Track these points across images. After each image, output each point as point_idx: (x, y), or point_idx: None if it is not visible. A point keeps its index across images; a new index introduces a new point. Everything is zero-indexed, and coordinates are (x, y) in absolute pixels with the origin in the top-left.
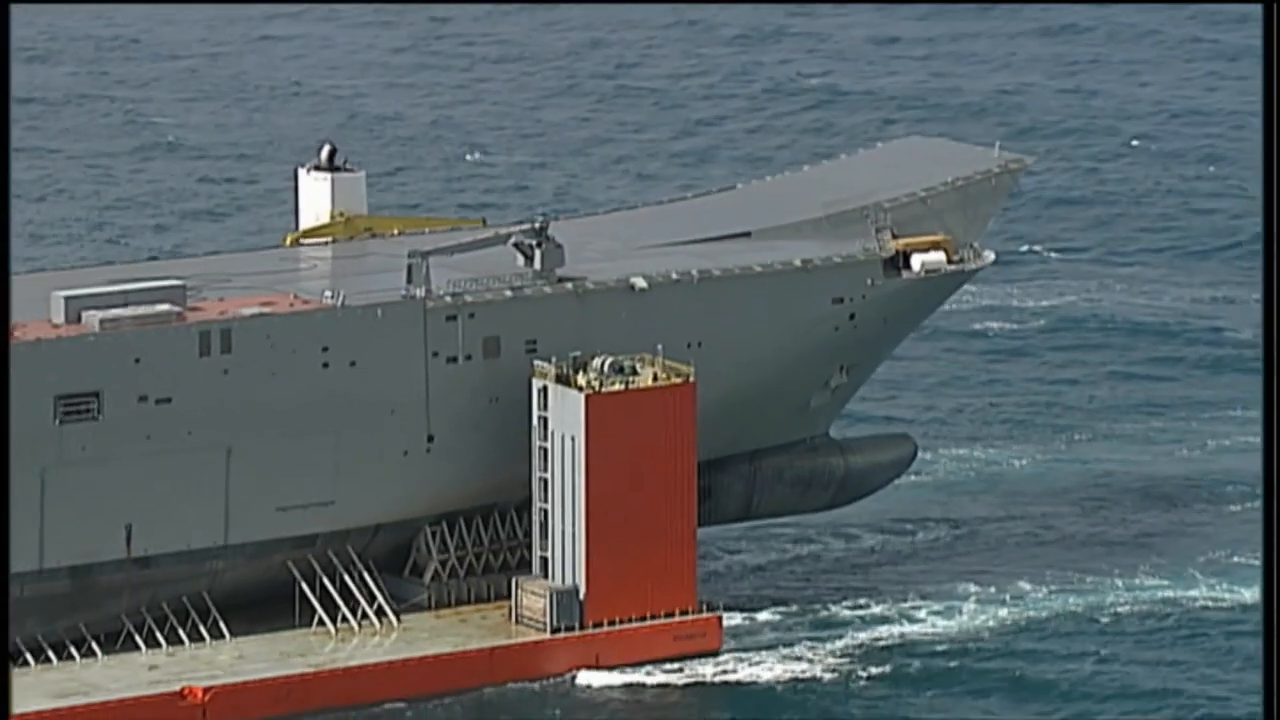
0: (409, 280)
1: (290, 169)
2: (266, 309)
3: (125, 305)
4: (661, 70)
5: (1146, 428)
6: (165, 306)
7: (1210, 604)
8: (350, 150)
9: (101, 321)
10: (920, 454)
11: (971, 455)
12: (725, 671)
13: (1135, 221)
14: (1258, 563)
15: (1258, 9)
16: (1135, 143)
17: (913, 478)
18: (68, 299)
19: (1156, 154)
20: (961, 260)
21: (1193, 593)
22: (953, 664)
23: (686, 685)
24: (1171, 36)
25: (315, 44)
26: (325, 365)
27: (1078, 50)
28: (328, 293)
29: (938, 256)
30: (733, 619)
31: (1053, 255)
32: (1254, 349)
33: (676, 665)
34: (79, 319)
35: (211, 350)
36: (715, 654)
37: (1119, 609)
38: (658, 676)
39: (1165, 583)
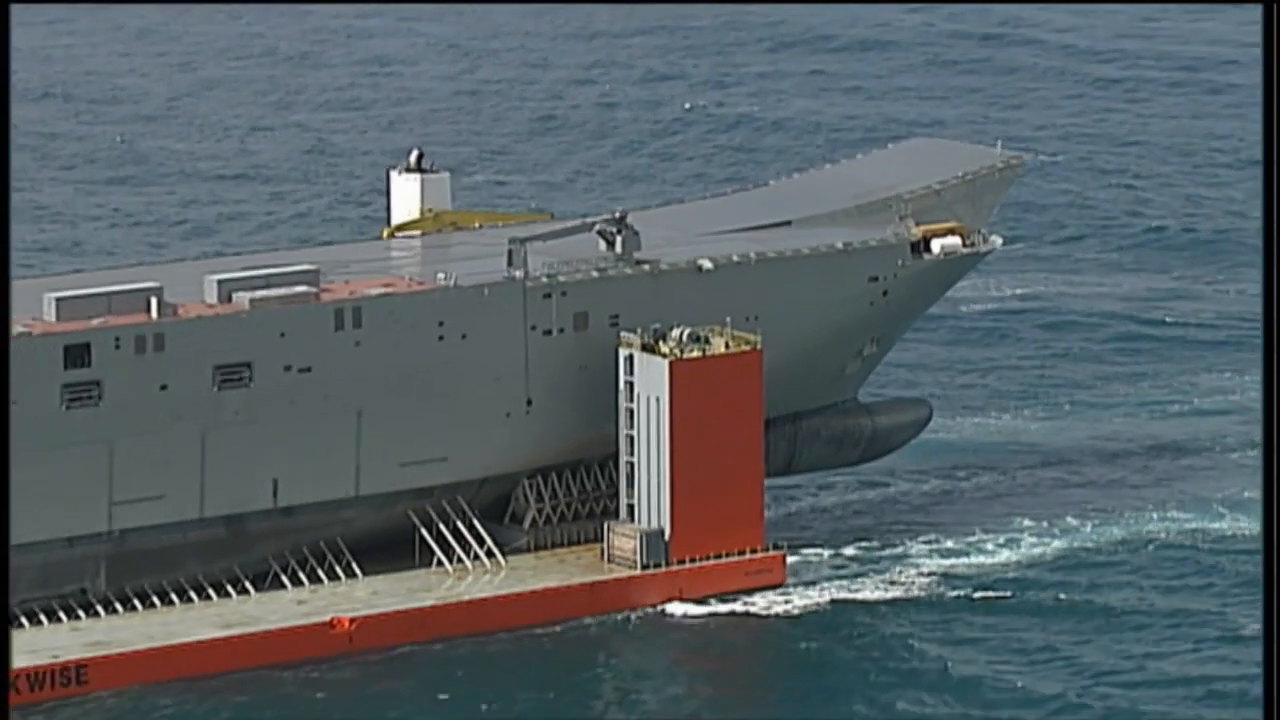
0: (509, 263)
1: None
2: (389, 289)
3: (268, 287)
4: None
5: (1135, 391)
6: (303, 288)
7: (1230, 533)
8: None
9: (251, 301)
10: (943, 418)
11: (987, 420)
12: (790, 601)
13: (1080, 221)
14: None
15: None
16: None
17: (944, 436)
18: (220, 282)
19: (1077, 168)
20: (974, 244)
21: (1216, 524)
22: (1007, 590)
23: (758, 614)
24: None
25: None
26: (440, 338)
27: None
28: (440, 274)
29: (954, 241)
30: (797, 556)
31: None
32: (1213, 326)
33: (749, 596)
34: (230, 299)
35: (345, 325)
36: (780, 586)
37: (1155, 539)
38: (732, 606)
39: (1190, 515)
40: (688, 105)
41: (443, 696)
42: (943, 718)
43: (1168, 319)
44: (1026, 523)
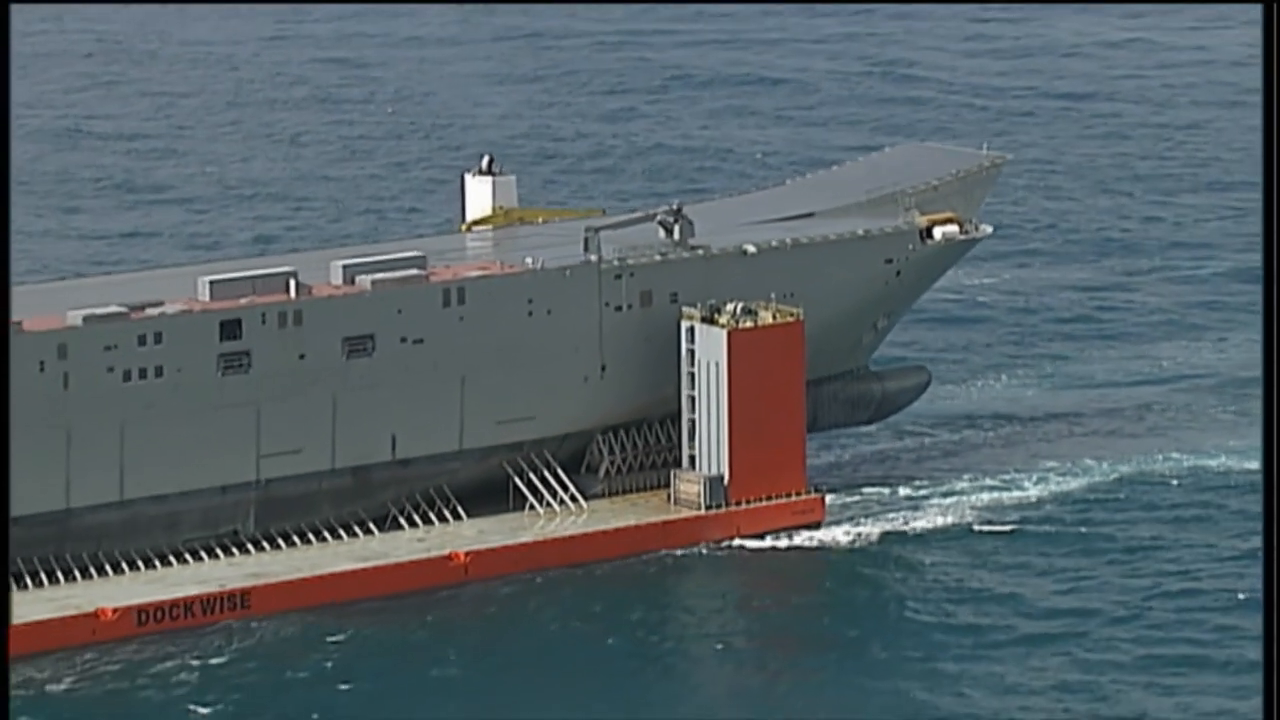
0: (586, 249)
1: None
2: (486, 272)
3: (385, 270)
4: None
5: (1108, 354)
6: (414, 271)
7: (1223, 470)
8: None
9: (373, 282)
10: (950, 384)
11: (988, 383)
12: (830, 536)
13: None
14: (1254, 441)
15: None
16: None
17: (954, 400)
18: (345, 266)
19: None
20: (969, 232)
21: (1211, 463)
22: (1032, 521)
23: (803, 546)
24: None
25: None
26: (529, 313)
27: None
28: (529, 259)
29: (953, 229)
30: (834, 498)
31: None
32: (1161, 310)
33: (795, 532)
34: (353, 281)
35: (451, 302)
36: (820, 525)
37: (1163, 476)
38: (782, 540)
39: (1188, 457)
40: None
41: (548, 617)
42: (978, 626)
43: (1116, 305)
44: (1051, 463)
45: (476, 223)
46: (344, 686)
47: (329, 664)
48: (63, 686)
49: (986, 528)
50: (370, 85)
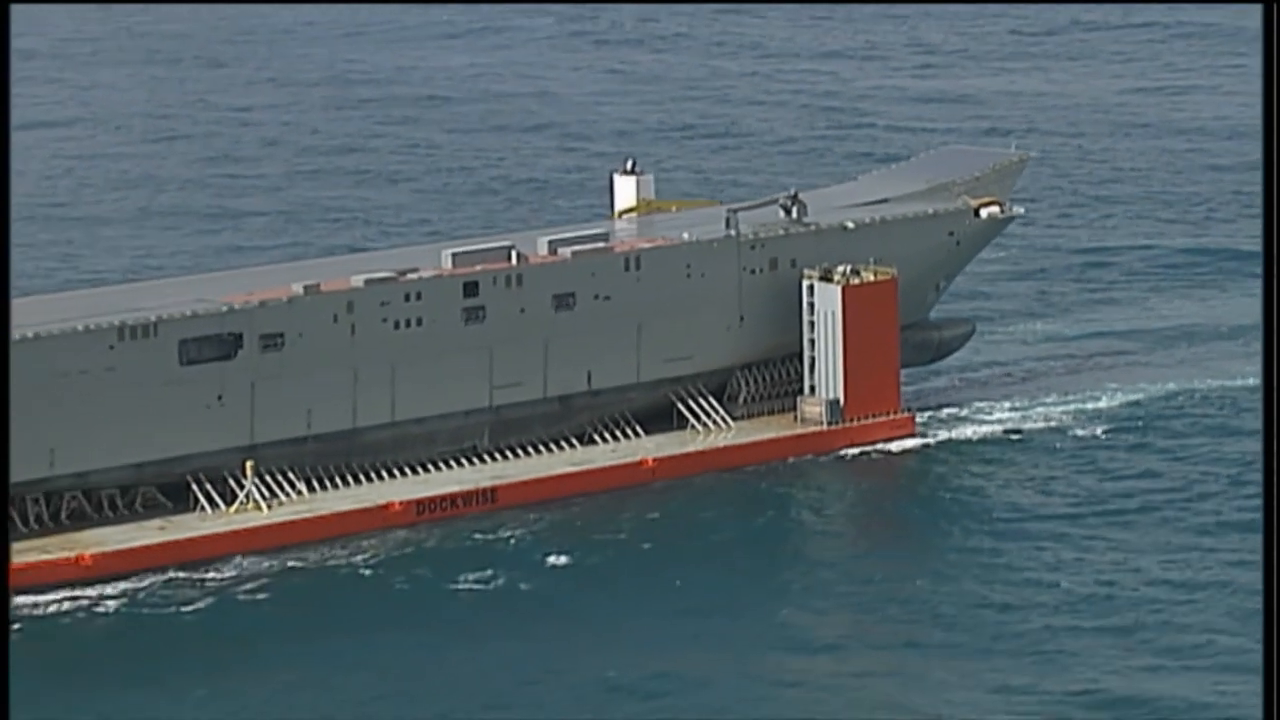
0: (727, 226)
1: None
2: (655, 243)
3: (579, 244)
4: None
5: (1133, 310)
6: (601, 244)
7: (1229, 391)
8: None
9: (573, 252)
10: (1000, 326)
11: (1033, 327)
12: (920, 444)
13: None
14: (1252, 365)
15: None
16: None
17: (1002, 342)
18: (550, 241)
19: None
20: (1006, 212)
21: (1239, 383)
22: (1092, 431)
23: (899, 451)
24: None
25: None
26: (687, 276)
27: None
28: (685, 234)
29: (996, 209)
30: (923, 417)
31: None
32: (1170, 266)
33: (893, 442)
34: (556, 252)
35: (630, 267)
36: (911, 435)
37: (1205, 393)
38: (883, 448)
39: (1221, 380)
40: None
41: (711, 504)
42: (1043, 510)
43: (1126, 260)
44: (1112, 385)
45: (624, 211)
46: (564, 557)
47: (556, 540)
48: (366, 559)
49: (1048, 435)
50: (518, 99)
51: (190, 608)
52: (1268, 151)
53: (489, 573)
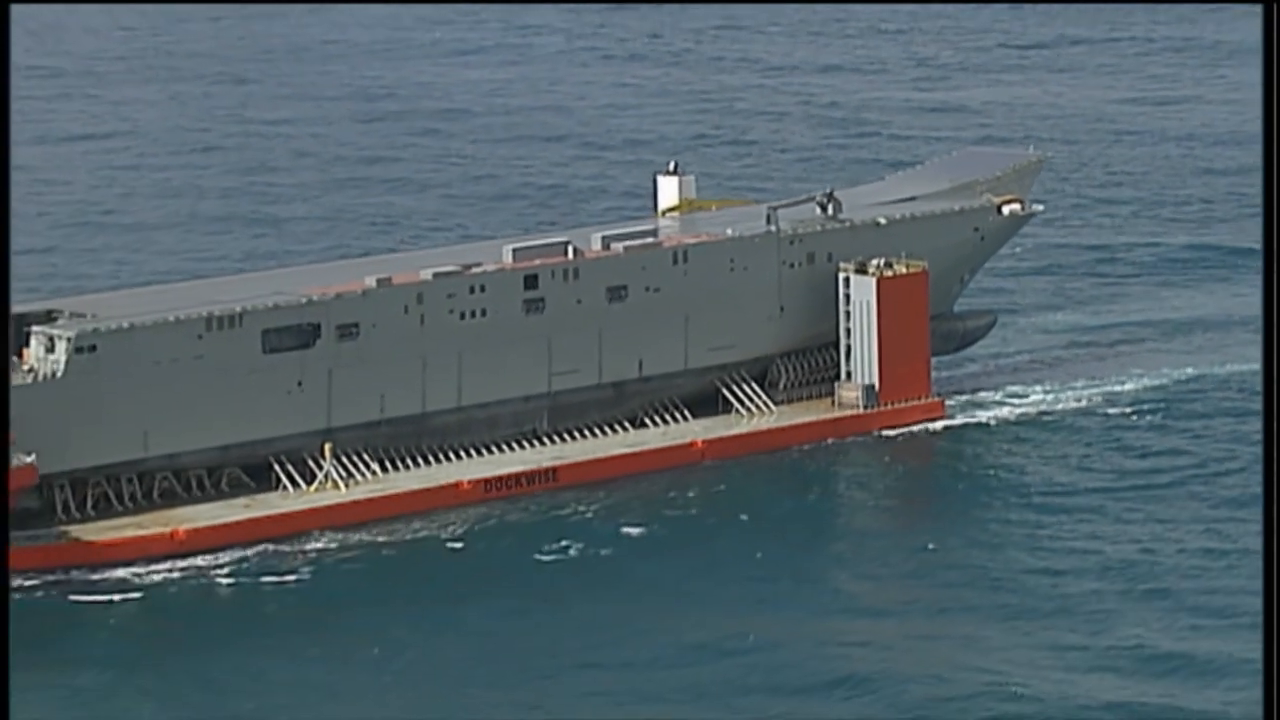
0: (767, 222)
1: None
2: (700, 239)
3: (630, 239)
4: None
5: (1144, 302)
6: (650, 240)
7: (1246, 375)
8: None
9: (625, 248)
10: (1024, 317)
11: (1054, 316)
12: (949, 426)
13: None
14: (1253, 352)
15: None
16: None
17: (1024, 331)
18: (603, 236)
19: None
20: (1026, 209)
21: (1250, 367)
22: (1118, 410)
23: (931, 431)
24: None
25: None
26: (731, 269)
27: None
28: (728, 230)
29: (1016, 206)
30: (953, 401)
31: None
32: (1174, 260)
33: (924, 424)
34: (609, 247)
35: (678, 261)
36: (942, 418)
37: (1199, 381)
38: (915, 429)
39: (1239, 365)
40: None
41: (757, 482)
42: (1083, 488)
43: (1133, 256)
44: (1136, 370)
45: (668, 210)
46: (630, 529)
47: (621, 514)
48: (442, 533)
49: (1076, 417)
50: (535, 112)
51: (280, 579)
52: (1267, 151)
53: (563, 544)
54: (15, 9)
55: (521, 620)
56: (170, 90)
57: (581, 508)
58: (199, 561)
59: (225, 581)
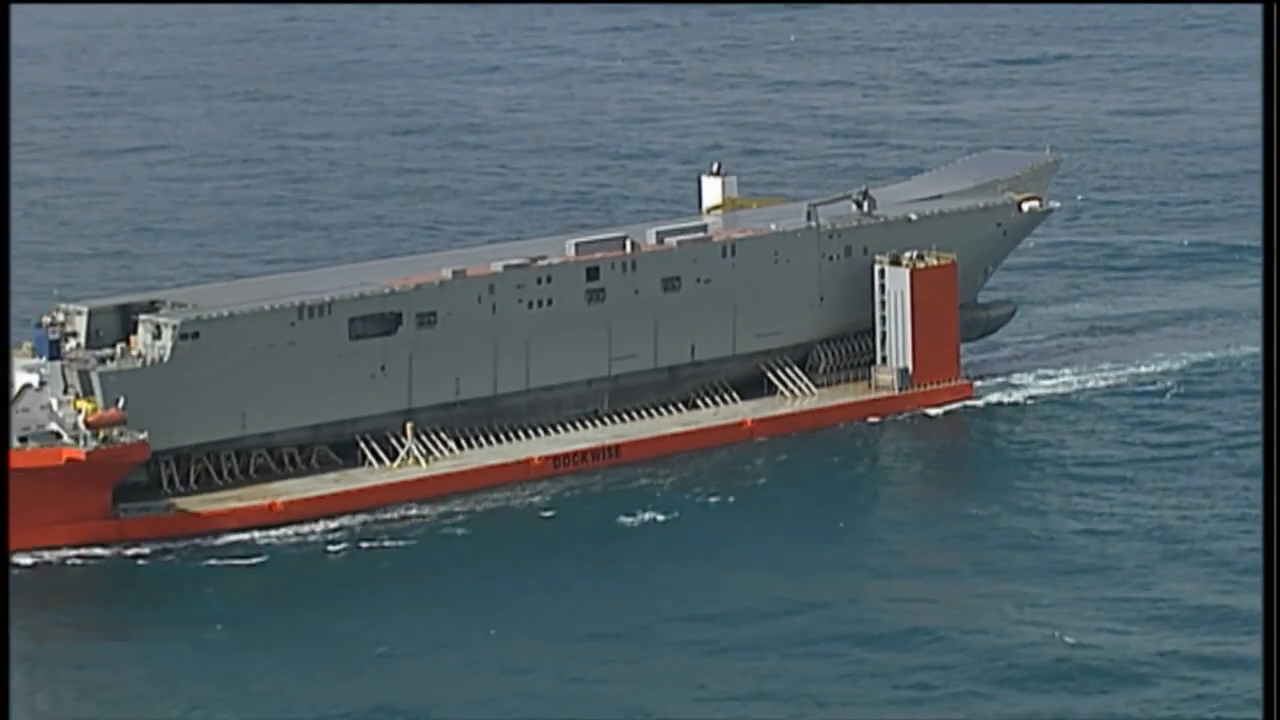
0: (808, 218)
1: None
2: (747, 234)
3: (683, 234)
4: None
5: (1140, 293)
6: (701, 234)
7: (1249, 356)
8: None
9: (678, 242)
10: (1045, 308)
11: (1071, 306)
12: (977, 406)
13: None
14: (1254, 332)
15: None
16: None
17: (1045, 319)
18: (658, 232)
19: None
20: (1045, 206)
21: (1255, 348)
22: (1143, 388)
23: (959, 410)
24: None
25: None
26: (775, 262)
27: None
28: (772, 225)
29: (1035, 204)
30: (979, 383)
31: None
32: (1175, 255)
33: (953, 404)
34: (663, 241)
35: (727, 255)
36: (971, 399)
37: (1237, 358)
38: (945, 409)
39: (1250, 346)
40: None
41: (802, 457)
42: (1114, 460)
43: (1140, 252)
44: (1157, 353)
45: (712, 208)
46: (704, 499)
47: (688, 485)
48: (521, 504)
49: (1099, 397)
50: (554, 127)
51: (378, 545)
52: (1267, 151)
53: (643, 511)
54: (46, 32)
55: (615, 580)
56: (204, 108)
57: (652, 480)
58: (297, 530)
59: (326, 549)
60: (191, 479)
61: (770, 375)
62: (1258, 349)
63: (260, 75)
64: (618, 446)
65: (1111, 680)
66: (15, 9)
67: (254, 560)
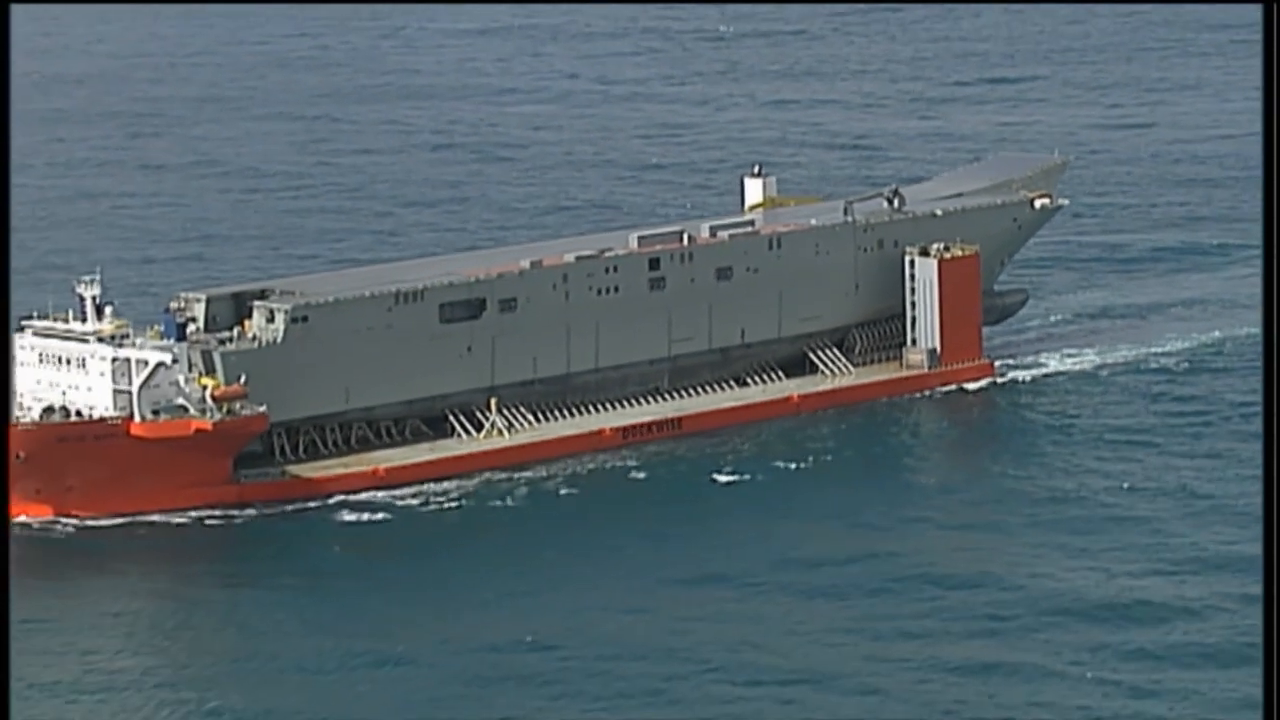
0: (845, 214)
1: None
2: (790, 228)
3: (733, 229)
4: None
5: (1144, 283)
6: (749, 229)
7: (1255, 336)
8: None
9: (729, 235)
10: (1060, 297)
11: (1086, 295)
12: (998, 384)
13: None
14: (1252, 314)
15: None
16: None
17: (1056, 307)
18: (711, 226)
19: None
20: (1056, 203)
21: (1253, 330)
22: (1153, 365)
23: (984, 387)
24: None
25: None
26: (816, 253)
27: None
28: (813, 220)
29: (1047, 201)
30: (1001, 362)
31: None
32: (1153, 255)
33: (977, 381)
34: (715, 235)
35: (774, 247)
36: (993, 376)
37: (1241, 337)
38: (968, 385)
39: (1250, 328)
40: None
41: (843, 429)
42: (1139, 428)
43: (1140, 248)
44: (1170, 335)
45: (753, 207)
46: (758, 460)
47: (744, 453)
48: (599, 470)
49: (1116, 374)
50: (577, 144)
51: (478, 505)
52: (1267, 152)
53: (728, 474)
54: (86, 61)
55: (706, 532)
56: (243, 128)
57: (721, 448)
58: (398, 493)
59: (435, 508)
60: (300, 449)
61: (811, 356)
62: (1257, 329)
63: (292, 99)
64: (679, 419)
65: (1166, 612)
66: (51, 38)
67: (362, 519)
